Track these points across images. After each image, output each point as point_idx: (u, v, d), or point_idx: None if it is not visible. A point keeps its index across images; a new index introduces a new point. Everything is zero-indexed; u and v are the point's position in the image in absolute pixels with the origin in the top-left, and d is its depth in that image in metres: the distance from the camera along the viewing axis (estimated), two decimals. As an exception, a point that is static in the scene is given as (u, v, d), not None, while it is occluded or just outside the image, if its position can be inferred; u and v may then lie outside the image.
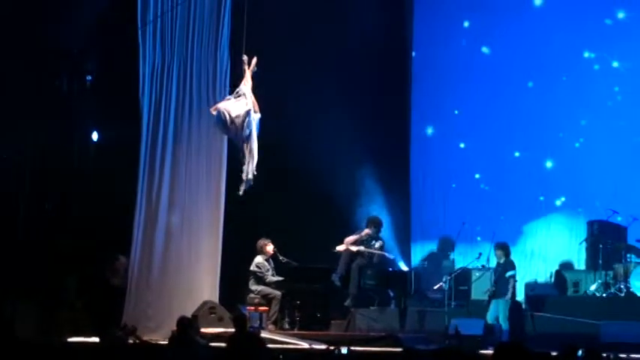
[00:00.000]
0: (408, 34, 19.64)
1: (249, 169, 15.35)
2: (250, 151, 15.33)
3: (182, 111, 16.80)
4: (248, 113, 15.12)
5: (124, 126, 17.54)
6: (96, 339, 14.12)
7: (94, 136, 18.36)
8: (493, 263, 16.53)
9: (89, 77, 18.08)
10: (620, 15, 18.85)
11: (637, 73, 18.59)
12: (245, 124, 15.15)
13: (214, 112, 15.13)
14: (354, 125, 17.60)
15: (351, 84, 17.73)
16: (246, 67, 15.27)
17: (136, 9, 16.80)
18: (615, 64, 18.85)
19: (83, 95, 18.51)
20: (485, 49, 19.50)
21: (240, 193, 15.46)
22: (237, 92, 15.27)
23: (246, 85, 15.22)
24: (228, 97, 15.36)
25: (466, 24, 19.62)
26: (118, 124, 17.81)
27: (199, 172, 16.81)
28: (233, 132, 15.25)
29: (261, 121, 15.40)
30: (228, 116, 14.96)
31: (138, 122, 16.78)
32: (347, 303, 16.80)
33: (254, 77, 15.26)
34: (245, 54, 15.21)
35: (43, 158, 17.61)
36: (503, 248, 16.43)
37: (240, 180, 15.33)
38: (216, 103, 15.50)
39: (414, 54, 19.68)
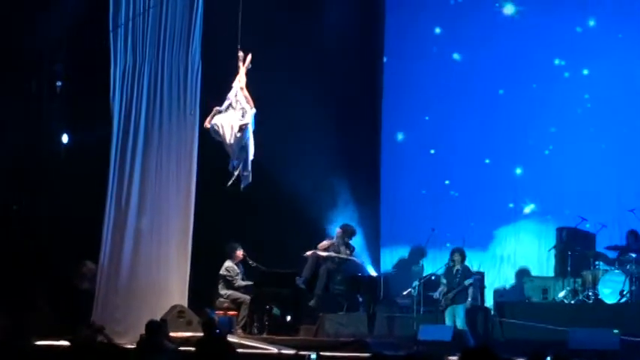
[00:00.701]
0: (380, 40, 19.76)
1: (247, 166, 15.48)
2: (246, 149, 15.44)
3: (153, 114, 16.77)
4: (245, 127, 15.15)
5: (94, 128, 17.43)
6: (64, 342, 14.02)
7: (64, 138, 18.29)
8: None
9: (59, 83, 18.07)
10: (591, 23, 19.00)
11: (607, 80, 18.68)
12: (242, 134, 15.21)
13: (208, 126, 15.17)
14: (324, 131, 17.70)
15: (322, 90, 17.79)
16: (240, 63, 15.29)
17: (107, 12, 16.72)
18: (585, 72, 18.97)
19: (53, 97, 18.48)
20: (456, 56, 19.62)
21: (242, 188, 15.43)
22: (228, 103, 15.29)
23: (240, 82, 15.27)
24: (218, 108, 15.37)
25: (437, 31, 19.72)
26: (89, 127, 17.74)
27: (169, 177, 16.78)
28: (230, 142, 15.29)
29: (256, 116, 15.41)
30: (222, 129, 15.03)
31: (109, 125, 16.68)
32: (311, 303, 16.82)
33: (247, 74, 15.29)
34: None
35: (13, 160, 17.52)
36: (462, 253, 16.53)
37: (230, 176, 15.22)
38: (210, 115, 15.41)
39: (385, 60, 19.75)
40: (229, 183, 15.39)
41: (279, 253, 17.44)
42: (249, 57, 15.38)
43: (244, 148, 15.58)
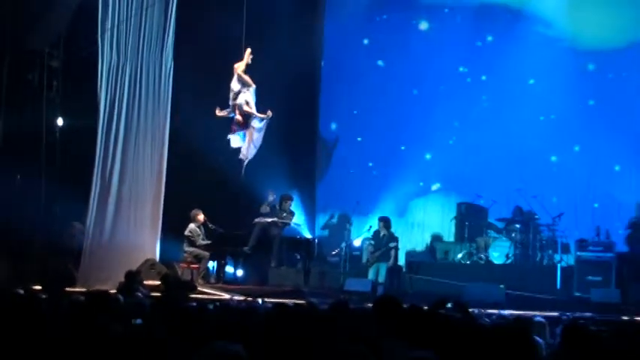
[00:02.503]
0: (319, 47, 19.70)
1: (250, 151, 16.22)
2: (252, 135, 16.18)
3: (132, 104, 16.78)
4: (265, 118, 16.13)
5: (84, 115, 17.44)
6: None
7: (60, 122, 18.23)
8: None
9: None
10: (489, 38, 19.46)
11: (501, 85, 19.08)
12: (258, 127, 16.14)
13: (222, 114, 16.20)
14: (273, 122, 17.18)
15: (272, 87, 17.48)
16: (246, 54, 16.00)
17: (96, 18, 16.61)
18: (483, 78, 19.45)
19: (51, 88, 18.23)
20: (380, 62, 19.90)
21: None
22: (238, 89, 16.06)
23: (238, 69, 15.99)
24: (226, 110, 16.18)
25: (366, 41, 19.97)
26: (80, 113, 17.75)
27: (145, 154, 16.81)
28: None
29: (256, 90, 16.09)
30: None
31: (96, 112, 16.65)
32: (273, 264, 17.20)
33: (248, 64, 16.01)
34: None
35: (17, 139, 17.45)
36: (386, 221, 16.77)
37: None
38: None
39: (322, 64, 19.78)
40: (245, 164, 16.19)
41: (233, 218, 17.56)
42: (249, 50, 15.97)
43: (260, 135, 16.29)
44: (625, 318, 11.61)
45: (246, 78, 16.08)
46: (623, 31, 18.53)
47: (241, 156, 16.23)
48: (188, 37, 17.04)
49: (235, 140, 16.28)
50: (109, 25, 16.79)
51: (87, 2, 17.22)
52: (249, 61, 16.10)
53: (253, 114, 16.13)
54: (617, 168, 18.61)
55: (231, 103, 16.19)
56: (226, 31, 16.74)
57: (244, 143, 16.29)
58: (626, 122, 18.44)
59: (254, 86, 16.15)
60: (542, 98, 18.85)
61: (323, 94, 19.91)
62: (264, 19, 17.40)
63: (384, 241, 16.68)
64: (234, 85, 16.16)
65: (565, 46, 18.78)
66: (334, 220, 19.58)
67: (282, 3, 18.28)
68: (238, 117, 16.12)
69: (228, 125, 16.54)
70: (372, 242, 17.02)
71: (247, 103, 16.10)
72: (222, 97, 16.45)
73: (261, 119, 16.24)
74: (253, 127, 16.25)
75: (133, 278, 13.20)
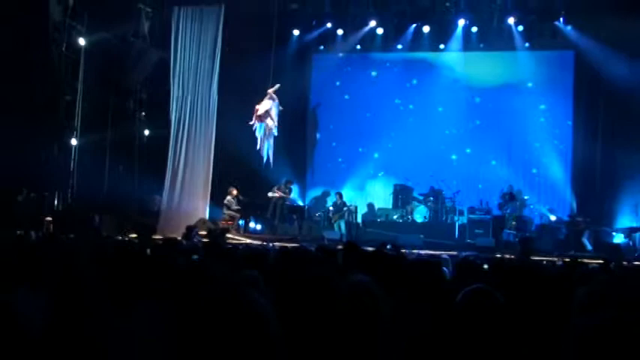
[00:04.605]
0: (309, 87, 19.74)
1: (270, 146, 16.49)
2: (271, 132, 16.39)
3: (191, 121, 16.95)
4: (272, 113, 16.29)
5: (161, 128, 17.56)
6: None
7: (146, 132, 18.28)
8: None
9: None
10: (414, 81, 19.28)
11: (422, 111, 18.88)
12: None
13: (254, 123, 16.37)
14: (280, 132, 17.14)
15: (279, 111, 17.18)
16: (276, 86, 16.37)
17: (169, 65, 16.93)
18: (411, 107, 19.17)
19: (141, 111, 18.42)
20: (346, 96, 19.68)
21: (270, 161, 16.45)
22: (270, 103, 16.34)
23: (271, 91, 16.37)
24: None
25: (337, 83, 19.79)
26: (160, 127, 17.81)
27: (199, 152, 16.79)
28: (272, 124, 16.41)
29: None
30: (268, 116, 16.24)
31: (169, 126, 16.90)
32: (279, 222, 17.24)
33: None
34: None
35: (120, 144, 17.57)
36: (340, 195, 17.29)
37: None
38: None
39: (310, 97, 19.85)
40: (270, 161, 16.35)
41: (254, 192, 17.56)
42: (278, 86, 16.35)
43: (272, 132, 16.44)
44: (498, 256, 11.34)
45: (273, 94, 16.40)
46: (499, 76, 18.46)
47: (259, 147, 16.38)
48: (228, 76, 17.01)
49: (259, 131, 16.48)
50: (177, 71, 17.03)
51: (163, 56, 17.45)
52: (276, 89, 16.41)
53: (271, 117, 16.40)
54: (493, 162, 18.52)
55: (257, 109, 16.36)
56: (253, 73, 16.84)
57: (262, 136, 16.45)
58: (499, 135, 18.43)
59: (277, 101, 16.46)
60: (447, 119, 18.72)
61: (310, 115, 19.97)
62: (276, 69, 17.34)
63: (340, 207, 17.05)
64: (266, 104, 16.26)
65: (462, 85, 18.66)
66: (318, 194, 19.46)
67: (287, 61, 18.26)
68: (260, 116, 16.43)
69: (254, 135, 16.62)
70: (332, 208, 17.32)
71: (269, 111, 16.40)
72: (249, 114, 16.58)
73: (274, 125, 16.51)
74: (269, 127, 16.41)
75: (190, 230, 12.83)
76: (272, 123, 16.57)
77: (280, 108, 16.87)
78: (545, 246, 14.57)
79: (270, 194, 17.21)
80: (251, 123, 16.48)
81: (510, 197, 16.43)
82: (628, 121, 16.40)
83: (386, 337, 2.93)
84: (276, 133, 16.77)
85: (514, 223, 15.81)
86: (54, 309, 3.11)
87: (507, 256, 10.66)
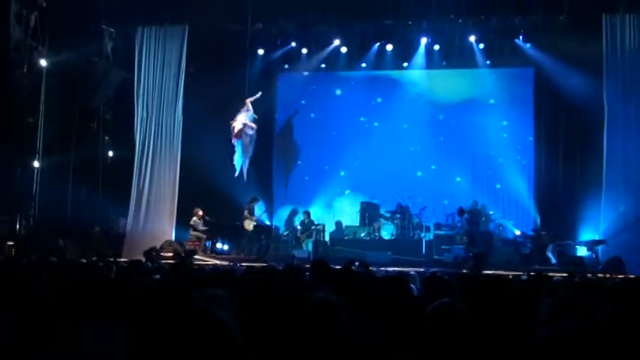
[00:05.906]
0: (274, 106, 19.63)
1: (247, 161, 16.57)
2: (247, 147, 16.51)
3: (156, 141, 16.83)
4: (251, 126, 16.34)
5: (125, 148, 17.38)
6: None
7: (110, 153, 18.06)
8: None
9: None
10: (379, 99, 19.32)
11: (386, 128, 18.90)
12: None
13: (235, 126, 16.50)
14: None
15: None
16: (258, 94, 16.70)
17: (133, 86, 16.84)
18: (376, 124, 19.18)
19: (105, 132, 18.19)
20: (312, 115, 19.64)
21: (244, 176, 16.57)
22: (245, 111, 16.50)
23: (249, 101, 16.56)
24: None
25: (303, 102, 19.72)
26: (124, 147, 17.71)
27: (165, 173, 16.77)
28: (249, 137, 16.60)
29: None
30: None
31: (134, 145, 16.75)
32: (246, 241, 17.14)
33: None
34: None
35: (84, 164, 17.38)
36: (308, 213, 17.40)
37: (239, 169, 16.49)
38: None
39: (276, 116, 19.77)
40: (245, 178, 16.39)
41: (220, 213, 17.45)
42: (259, 94, 16.68)
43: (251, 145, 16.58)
44: (464, 271, 11.46)
45: (249, 104, 16.61)
46: (461, 93, 18.64)
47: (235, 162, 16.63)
48: (193, 96, 16.99)
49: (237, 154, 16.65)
50: (141, 91, 16.95)
51: (127, 76, 17.33)
52: (256, 97, 16.70)
53: (249, 126, 16.60)
54: (458, 179, 18.60)
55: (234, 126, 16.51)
56: (218, 93, 16.76)
57: (240, 157, 16.53)
58: (463, 151, 18.54)
59: (252, 111, 16.67)
60: (411, 136, 18.75)
61: (276, 134, 19.85)
62: (241, 88, 17.34)
63: (308, 226, 17.04)
64: (241, 118, 16.39)
65: (425, 101, 18.76)
66: (286, 213, 19.25)
67: (253, 80, 18.06)
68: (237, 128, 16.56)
69: (220, 154, 16.64)
70: (300, 227, 17.32)
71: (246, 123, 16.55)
72: (222, 132, 16.59)
73: (252, 128, 16.64)
74: (247, 135, 16.57)
75: (149, 252, 13.27)
76: (252, 131, 16.65)
77: (255, 117, 16.94)
78: (511, 260, 14.73)
79: (246, 225, 17.01)
80: (233, 142, 16.56)
81: (459, 212, 16.18)
82: (587, 135, 16.74)
83: (350, 353, 2.91)
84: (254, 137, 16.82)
85: (465, 238, 15.66)
86: (15, 331, 3.11)
87: (464, 271, 10.77)
